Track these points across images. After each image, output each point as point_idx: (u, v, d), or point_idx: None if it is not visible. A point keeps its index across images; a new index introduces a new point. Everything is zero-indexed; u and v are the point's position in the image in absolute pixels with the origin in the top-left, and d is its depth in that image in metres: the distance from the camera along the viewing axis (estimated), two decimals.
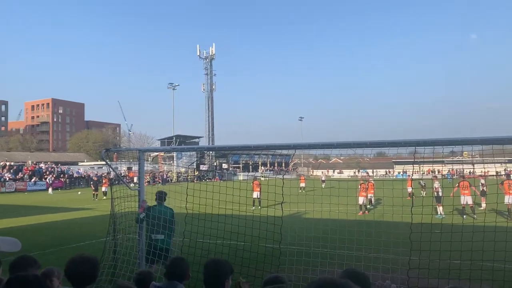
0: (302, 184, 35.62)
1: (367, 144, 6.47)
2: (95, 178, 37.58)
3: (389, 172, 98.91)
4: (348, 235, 8.02)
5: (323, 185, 38.07)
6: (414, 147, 6.10)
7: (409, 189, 25.04)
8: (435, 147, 5.95)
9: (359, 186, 22.13)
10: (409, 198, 20.81)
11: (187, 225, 7.55)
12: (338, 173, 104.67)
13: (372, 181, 25.94)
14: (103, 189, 34.71)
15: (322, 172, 73.59)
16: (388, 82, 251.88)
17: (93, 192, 34.67)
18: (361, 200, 21.71)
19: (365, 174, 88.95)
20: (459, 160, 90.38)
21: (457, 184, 20.08)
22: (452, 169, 79.77)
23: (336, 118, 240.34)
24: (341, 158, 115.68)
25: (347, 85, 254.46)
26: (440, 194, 19.56)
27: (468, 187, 19.28)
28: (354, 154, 7.63)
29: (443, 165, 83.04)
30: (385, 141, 6.38)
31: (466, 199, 19.09)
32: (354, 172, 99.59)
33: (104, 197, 33.14)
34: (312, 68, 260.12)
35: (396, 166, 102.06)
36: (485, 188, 22.07)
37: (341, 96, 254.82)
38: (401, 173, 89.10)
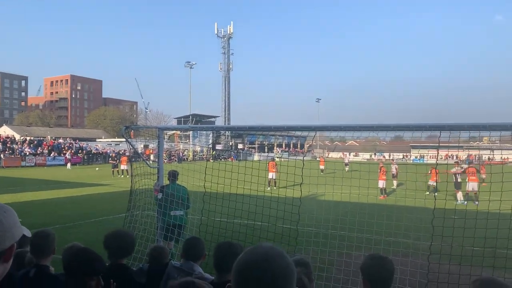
0: (322, 167, 34.98)
1: (390, 127, 6.31)
2: (113, 155, 37.90)
3: (406, 156, 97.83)
4: (367, 218, 7.94)
5: (346, 168, 37.23)
6: (436, 132, 5.94)
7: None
8: (451, 131, 5.77)
9: (380, 170, 21.88)
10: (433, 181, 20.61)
11: (205, 204, 7.59)
12: (354, 155, 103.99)
13: (397, 165, 26.01)
14: (122, 167, 34.29)
15: (345, 154, 72.86)
16: (409, 67, 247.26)
17: (113, 169, 34.69)
18: (381, 183, 21.53)
19: (381, 157, 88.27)
20: (478, 146, 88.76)
21: (464, 170, 20.16)
22: (471, 155, 78.55)
23: (353, 101, 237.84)
24: (358, 140, 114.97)
25: (367, 68, 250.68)
26: (459, 180, 19.35)
27: (475, 173, 19.34)
28: (370, 136, 7.48)
29: (462, 150, 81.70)
30: (410, 124, 6.20)
31: (472, 185, 19.07)
32: (371, 155, 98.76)
33: (121, 176, 32.98)
34: (332, 50, 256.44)
35: (413, 150, 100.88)
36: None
37: (360, 78, 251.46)
38: (418, 157, 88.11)
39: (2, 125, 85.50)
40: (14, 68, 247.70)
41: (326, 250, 7.60)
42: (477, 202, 17.10)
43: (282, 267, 1.23)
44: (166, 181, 8.58)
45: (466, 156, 72.65)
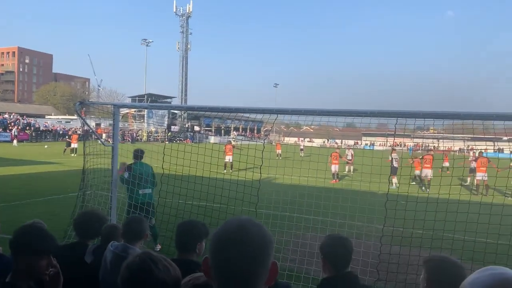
0: (278, 151, 35.38)
1: (345, 112, 6.39)
2: (69, 133, 36.57)
3: (357, 143, 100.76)
4: (323, 201, 8.13)
5: (301, 154, 37.93)
6: (387, 119, 6.10)
7: (446, 164, 26.35)
8: (407, 119, 5.93)
9: (331, 155, 22.59)
10: (448, 172, 21.27)
11: (162, 185, 7.49)
12: (308, 141, 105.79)
13: (352, 151, 26.97)
14: (72, 145, 33.23)
15: (301, 140, 73.91)
16: (366, 52, 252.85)
17: (66, 148, 33.44)
18: (333, 168, 22.20)
19: (334, 143, 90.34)
20: (426, 135, 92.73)
21: (421, 157, 21.14)
22: (418, 143, 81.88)
23: (310, 86, 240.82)
24: (312, 126, 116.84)
25: (324, 53, 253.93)
26: (396, 165, 20.05)
27: (431, 161, 20.33)
28: (324, 123, 7.61)
29: (411, 139, 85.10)
30: (365, 110, 6.31)
31: (426, 172, 20.09)
32: (324, 141, 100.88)
33: (73, 154, 31.76)
34: (290, 33, 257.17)
35: (365, 137, 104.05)
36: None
37: (317, 64, 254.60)
38: (369, 144, 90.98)
39: None
40: None
41: (283, 231, 7.72)
42: (428, 190, 17.91)
43: (260, 236, 1.25)
44: (129, 161, 8.47)
45: (413, 145, 75.69)
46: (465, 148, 55.17)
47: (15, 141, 43.27)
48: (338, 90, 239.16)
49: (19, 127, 50.66)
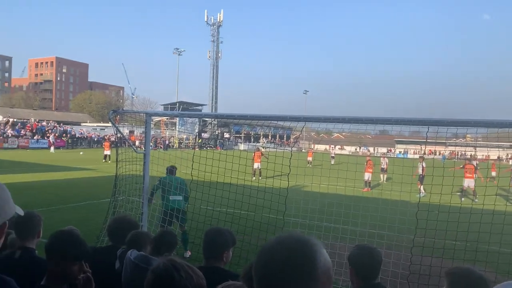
0: (309, 158, 34.75)
1: (376, 120, 6.32)
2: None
3: (390, 150, 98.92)
4: (353, 210, 8.02)
5: (332, 161, 37.26)
6: (422, 127, 5.97)
7: (494, 174, 25.82)
8: (439, 127, 5.80)
9: (366, 163, 22.10)
10: (496, 182, 20.53)
11: (191, 192, 7.59)
12: (339, 149, 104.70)
13: (387, 159, 26.40)
14: (105, 152, 33.64)
15: (331, 147, 73.17)
16: (400, 65, 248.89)
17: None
18: (366, 176, 21.80)
19: (366, 150, 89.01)
20: (462, 143, 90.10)
21: (462, 166, 20.25)
22: (454, 152, 79.71)
23: (341, 94, 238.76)
24: (343, 134, 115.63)
25: (356, 61, 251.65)
26: (423, 174, 19.37)
27: (472, 171, 19.44)
28: (355, 130, 7.50)
29: (445, 146, 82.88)
30: (396, 118, 6.21)
31: (468, 182, 19.16)
32: (356, 149, 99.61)
33: (104, 161, 32.37)
34: (322, 41, 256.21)
35: (398, 145, 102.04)
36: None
37: (349, 72, 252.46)
38: (402, 152, 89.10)
39: None
40: None
41: None
42: (476, 200, 17.17)
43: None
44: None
45: (448, 153, 73.73)
46: (505, 157, 53.16)
47: (52, 148, 44.82)
48: (370, 96, 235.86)
49: (56, 134, 52.48)
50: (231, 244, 3.28)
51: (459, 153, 77.11)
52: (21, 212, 1.57)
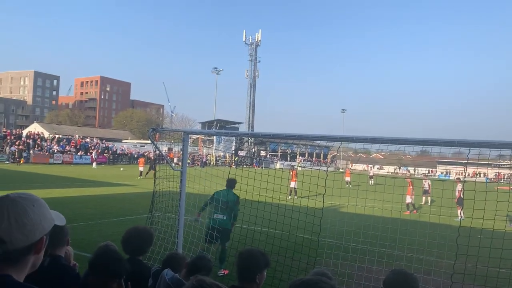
0: (347, 178, 33.86)
1: (417, 141, 6.19)
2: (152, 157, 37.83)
3: (432, 171, 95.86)
4: (390, 233, 7.80)
5: (371, 182, 35.88)
6: (465, 148, 5.78)
7: None
8: (481, 149, 5.58)
9: (408, 185, 21.24)
10: None
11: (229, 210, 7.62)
12: (378, 168, 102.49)
13: (429, 181, 25.45)
14: (140, 168, 34.25)
15: (371, 167, 71.58)
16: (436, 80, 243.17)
17: (148, 171, 32.87)
18: (408, 199, 21.00)
19: (406, 171, 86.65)
20: (508, 164, 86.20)
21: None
22: (499, 173, 76.34)
23: (379, 112, 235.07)
24: (382, 153, 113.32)
25: (394, 80, 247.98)
26: (462, 196, 18.53)
27: None
28: (397, 150, 7.32)
29: (490, 168, 79.50)
30: (437, 139, 6.05)
31: None
32: (395, 169, 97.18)
33: (139, 177, 32.74)
34: (359, 60, 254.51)
35: (439, 165, 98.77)
36: None
37: (387, 91, 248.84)
38: (444, 173, 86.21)
39: (33, 122, 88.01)
40: (47, 67, 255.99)
41: (347, 263, 7.49)
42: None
43: None
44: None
45: (494, 175, 70.63)
46: None
47: (94, 164, 46.41)
48: (409, 115, 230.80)
49: (99, 151, 54.36)
50: (264, 266, 3.23)
51: (505, 175, 73.72)
52: (62, 222, 1.63)
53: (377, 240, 7.84)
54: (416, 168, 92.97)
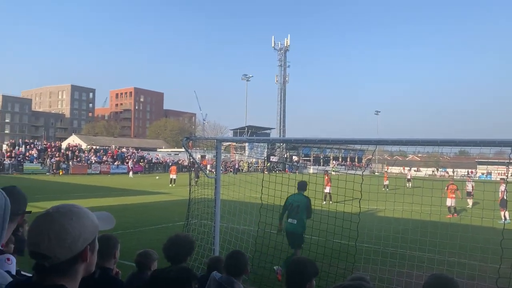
0: (386, 182, 33.06)
1: (456, 142, 6.02)
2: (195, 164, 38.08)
3: (472, 172, 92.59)
4: (430, 236, 7.59)
5: (408, 185, 34.27)
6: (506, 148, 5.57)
7: None
8: None
9: (446, 187, 20.45)
10: None
11: (261, 216, 7.62)
12: (415, 171, 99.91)
13: (473, 183, 24.57)
14: (171, 176, 34.61)
15: (405, 169, 69.81)
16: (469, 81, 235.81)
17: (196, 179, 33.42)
18: (449, 202, 20.22)
19: (444, 173, 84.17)
20: None
21: None
22: None
23: (414, 114, 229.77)
24: (419, 155, 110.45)
25: (427, 80, 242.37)
26: (506, 198, 17.68)
27: None
28: (434, 151, 7.13)
29: None
30: (476, 139, 5.87)
31: None
32: (433, 171, 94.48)
33: (170, 185, 33.14)
34: (391, 61, 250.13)
35: (480, 166, 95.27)
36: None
37: (420, 91, 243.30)
38: (485, 174, 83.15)
39: (72, 134, 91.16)
40: (83, 81, 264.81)
41: (385, 268, 7.34)
42: None
43: None
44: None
45: None
46: None
47: (130, 173, 47.54)
48: (447, 116, 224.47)
49: (135, 160, 55.65)
50: (314, 275, 3.26)
51: None
52: (109, 225, 1.67)
53: (416, 245, 7.65)
54: (455, 170, 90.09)
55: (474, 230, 8.99)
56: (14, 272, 2.32)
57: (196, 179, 32.50)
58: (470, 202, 23.79)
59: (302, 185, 8.65)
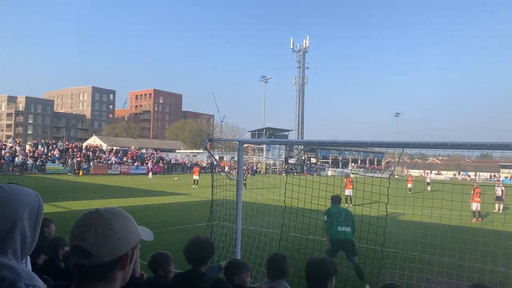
0: (410, 185, 32.99)
1: (479, 146, 5.77)
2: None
3: (494, 176, 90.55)
4: (460, 242, 7.36)
5: (428, 188, 34.37)
6: None
7: None
8: None
9: (473, 190, 19.90)
10: None
11: (284, 219, 7.51)
12: (436, 174, 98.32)
13: (503, 187, 23.96)
14: (194, 177, 34.71)
15: (426, 172, 68.79)
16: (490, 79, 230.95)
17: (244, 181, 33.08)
18: (474, 206, 19.73)
19: (466, 176, 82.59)
20: None
21: None
22: None
23: (435, 115, 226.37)
24: (440, 158, 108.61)
25: (448, 81, 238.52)
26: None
27: None
28: (455, 154, 6.90)
29: None
30: (498, 143, 5.60)
31: None
32: (454, 174, 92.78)
33: (193, 186, 33.33)
34: (410, 62, 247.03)
35: (503, 169, 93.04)
36: None
37: (441, 93, 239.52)
38: (509, 177, 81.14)
39: (92, 135, 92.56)
40: (103, 83, 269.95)
41: (413, 274, 7.14)
42: None
43: None
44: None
45: None
46: None
47: (150, 174, 47.94)
48: (467, 116, 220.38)
49: (154, 161, 56.13)
50: (333, 273, 3.30)
51: None
52: (149, 238, 1.62)
53: (445, 251, 7.42)
54: (477, 173, 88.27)
55: (507, 236, 8.69)
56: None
57: (244, 181, 32.60)
58: (499, 206, 23.20)
59: (337, 199, 8.72)
